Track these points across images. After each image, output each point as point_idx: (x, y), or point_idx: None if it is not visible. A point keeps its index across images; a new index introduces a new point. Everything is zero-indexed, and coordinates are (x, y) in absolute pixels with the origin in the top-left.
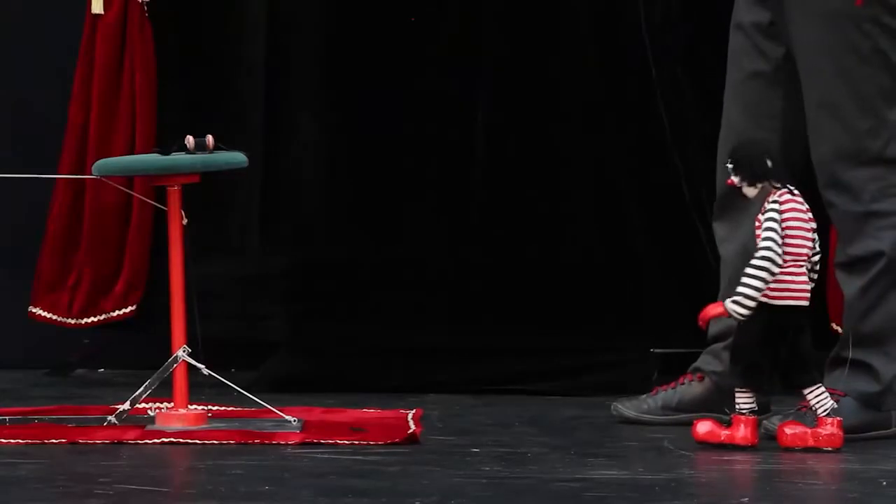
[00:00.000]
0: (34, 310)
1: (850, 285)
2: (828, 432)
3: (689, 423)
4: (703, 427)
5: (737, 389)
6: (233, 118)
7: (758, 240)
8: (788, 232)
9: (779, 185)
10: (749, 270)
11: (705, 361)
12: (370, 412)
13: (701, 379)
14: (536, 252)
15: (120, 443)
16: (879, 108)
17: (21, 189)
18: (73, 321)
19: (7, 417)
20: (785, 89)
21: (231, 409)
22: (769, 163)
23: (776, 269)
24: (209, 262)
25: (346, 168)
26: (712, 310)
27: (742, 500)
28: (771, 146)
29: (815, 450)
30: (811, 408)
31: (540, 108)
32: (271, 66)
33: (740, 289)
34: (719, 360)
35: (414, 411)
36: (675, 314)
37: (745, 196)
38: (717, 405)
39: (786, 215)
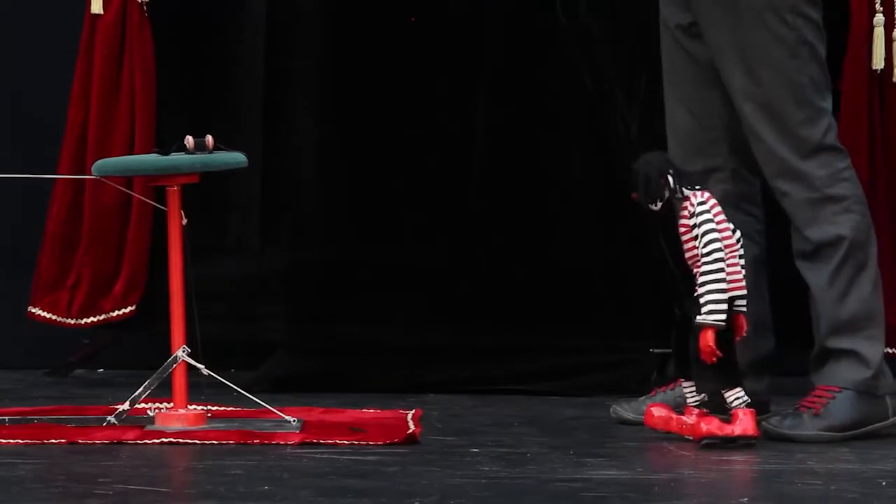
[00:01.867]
0: (34, 310)
1: (816, 274)
2: (691, 422)
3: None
4: (707, 425)
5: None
6: (232, 118)
7: (686, 245)
8: (720, 227)
9: (680, 197)
10: (705, 278)
11: None
12: (370, 412)
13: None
14: (536, 252)
15: (119, 443)
16: (812, 99)
17: (21, 189)
18: (72, 321)
19: (7, 417)
20: (721, 90)
21: (230, 409)
22: (670, 179)
23: (726, 266)
24: (209, 262)
25: (346, 168)
26: (707, 339)
27: (742, 500)
28: (671, 160)
29: (677, 437)
30: (728, 403)
31: (540, 108)
32: (271, 66)
33: (707, 297)
34: None
35: (413, 411)
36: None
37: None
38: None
39: (714, 210)
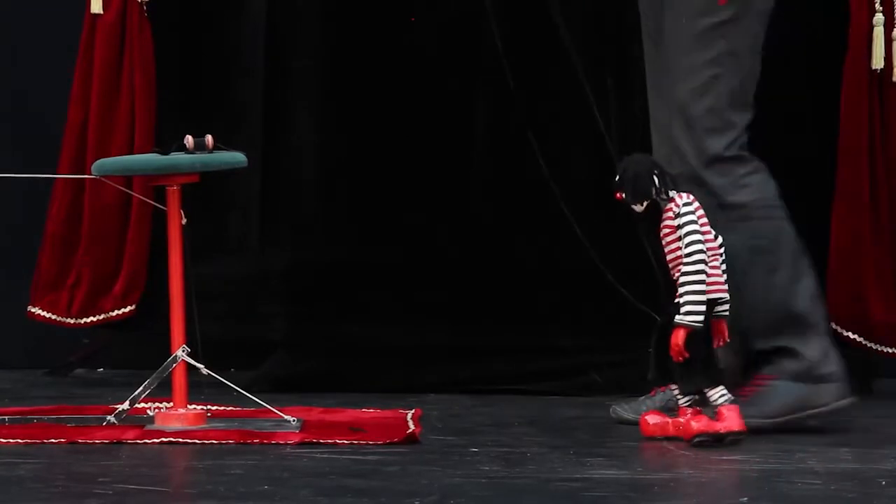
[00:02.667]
0: (33, 309)
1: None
2: (728, 422)
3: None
4: (697, 423)
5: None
6: (232, 118)
7: (669, 246)
8: (703, 230)
9: (665, 198)
10: (686, 279)
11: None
12: (369, 412)
13: None
14: (536, 252)
15: (119, 442)
16: (725, 111)
17: (21, 189)
18: (72, 321)
19: (6, 417)
20: None
21: (230, 408)
22: (656, 179)
23: (707, 268)
24: (208, 261)
25: (346, 168)
26: (678, 338)
27: (742, 499)
28: (657, 161)
29: (675, 439)
30: (709, 401)
31: (540, 107)
32: (271, 66)
33: (687, 298)
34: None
35: (413, 411)
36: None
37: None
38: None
39: (698, 213)
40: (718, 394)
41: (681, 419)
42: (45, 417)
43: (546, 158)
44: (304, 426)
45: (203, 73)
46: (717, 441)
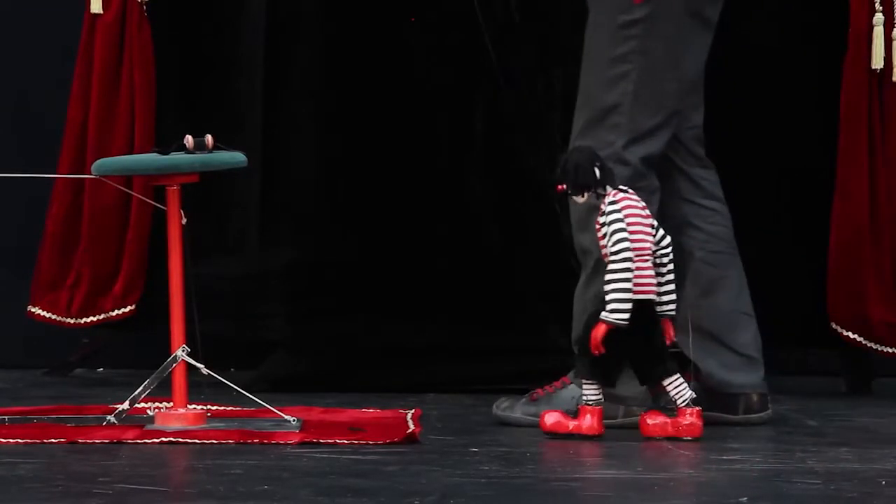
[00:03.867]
0: (33, 309)
1: (581, 278)
2: (687, 422)
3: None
4: (551, 418)
5: (584, 381)
6: (232, 118)
7: (601, 242)
8: (630, 229)
9: (603, 192)
10: (611, 276)
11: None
12: (369, 412)
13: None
14: (536, 252)
15: (119, 442)
16: (628, 110)
17: (20, 189)
18: (72, 321)
19: (6, 417)
20: None
21: (230, 408)
22: (597, 172)
23: (634, 266)
24: (208, 261)
25: (346, 168)
26: (599, 332)
27: (742, 499)
28: (599, 154)
29: (675, 439)
30: (672, 399)
31: (540, 107)
32: (271, 66)
33: (612, 296)
34: None
35: (413, 411)
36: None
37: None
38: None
39: (625, 212)
40: (682, 393)
41: (580, 423)
42: (45, 417)
43: (549, 158)
44: (304, 426)
45: (203, 73)
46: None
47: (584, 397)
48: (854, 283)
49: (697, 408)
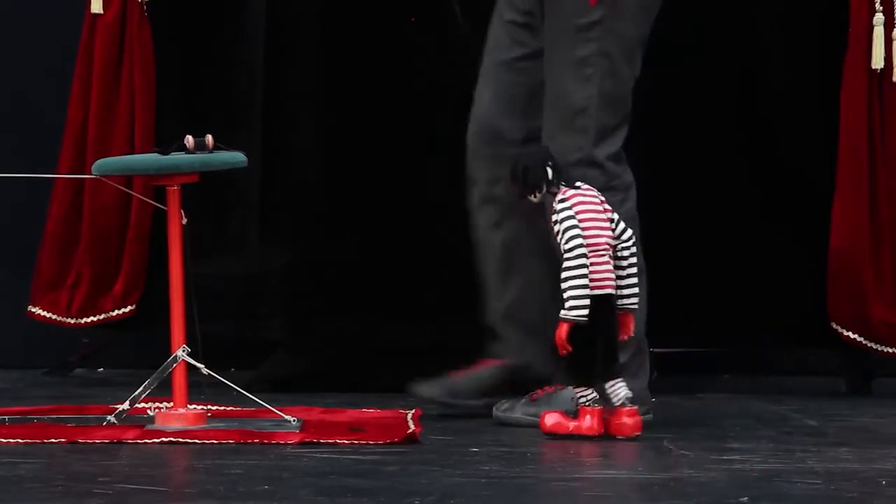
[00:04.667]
0: (33, 309)
1: None
2: (622, 421)
3: (488, 409)
4: (551, 419)
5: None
6: (232, 118)
7: (556, 239)
8: (583, 224)
9: (555, 191)
10: (567, 273)
11: (502, 345)
12: (369, 412)
13: (500, 364)
14: None
15: (119, 442)
16: (594, 112)
17: (21, 188)
18: (72, 321)
19: (6, 417)
20: (534, 80)
21: (230, 408)
22: (549, 172)
23: (588, 262)
24: (208, 261)
25: (346, 168)
26: (562, 332)
27: (742, 499)
28: (552, 154)
29: (577, 437)
30: (608, 397)
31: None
32: (271, 66)
33: (569, 293)
34: (513, 342)
35: (413, 411)
36: (675, 314)
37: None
38: (518, 391)
39: (577, 208)
40: (581, 394)
41: (580, 423)
42: (46, 417)
43: None
44: (304, 426)
45: (203, 72)
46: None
47: (582, 399)
48: (854, 283)
49: (633, 406)
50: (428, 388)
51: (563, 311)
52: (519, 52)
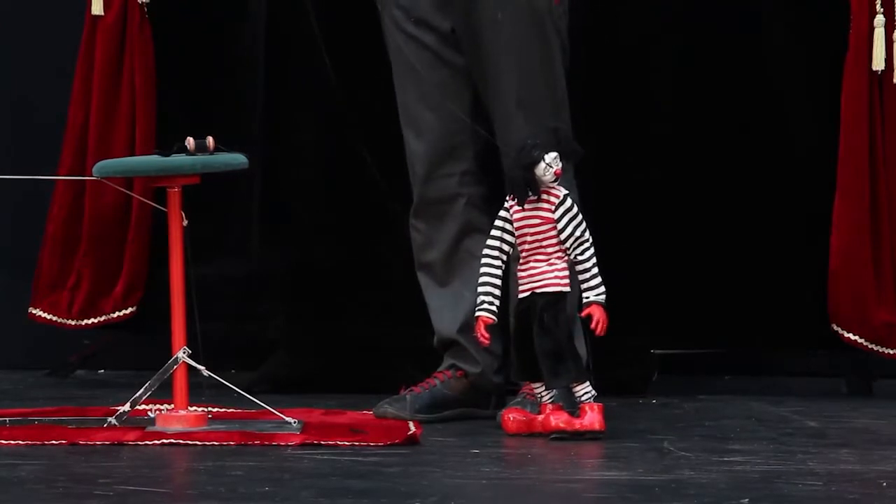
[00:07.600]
0: (34, 311)
1: None
2: (589, 419)
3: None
4: (514, 417)
5: (533, 383)
6: (233, 119)
7: (540, 234)
8: (517, 225)
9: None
10: (594, 260)
11: (460, 357)
12: (370, 413)
13: (461, 375)
14: None
15: (120, 444)
16: (566, 106)
17: (21, 190)
18: (72, 322)
19: (7, 418)
20: (472, 93)
21: (231, 410)
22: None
23: (500, 263)
24: (209, 262)
25: (346, 168)
26: (604, 317)
27: (742, 500)
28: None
29: (539, 434)
30: (574, 394)
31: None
32: (271, 66)
33: (598, 279)
34: (473, 355)
35: None
36: (676, 315)
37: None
38: (479, 400)
39: (516, 216)
40: (583, 391)
41: (540, 416)
42: (46, 419)
43: None
44: (305, 427)
45: (204, 74)
46: (574, 438)
47: (582, 396)
48: (855, 284)
49: (599, 403)
50: (395, 408)
51: (595, 296)
52: (450, 71)
